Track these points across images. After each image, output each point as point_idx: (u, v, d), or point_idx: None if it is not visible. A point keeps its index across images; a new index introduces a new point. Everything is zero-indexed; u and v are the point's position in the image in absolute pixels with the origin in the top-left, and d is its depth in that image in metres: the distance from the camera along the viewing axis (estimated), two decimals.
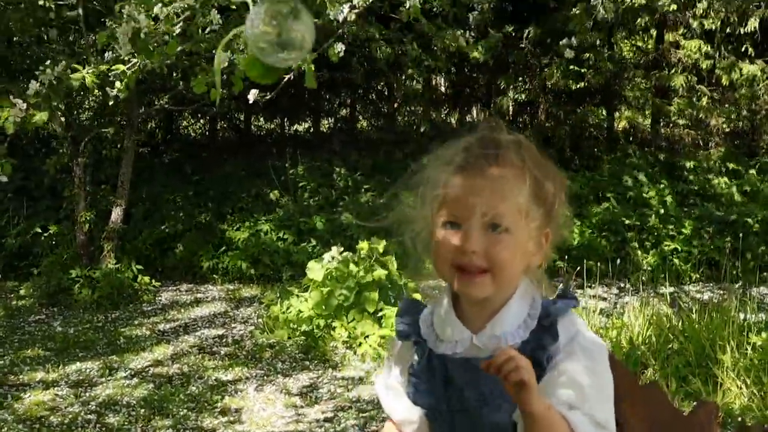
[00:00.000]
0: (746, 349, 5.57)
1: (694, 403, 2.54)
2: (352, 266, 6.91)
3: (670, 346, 5.93)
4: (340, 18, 4.48)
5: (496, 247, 1.42)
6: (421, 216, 1.51)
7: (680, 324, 6.21)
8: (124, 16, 3.26)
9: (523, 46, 11.47)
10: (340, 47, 4.55)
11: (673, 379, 5.48)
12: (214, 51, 4.51)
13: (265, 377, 6.26)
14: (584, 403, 1.39)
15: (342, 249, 7.31)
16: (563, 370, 1.42)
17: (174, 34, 3.38)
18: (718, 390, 5.31)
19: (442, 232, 1.45)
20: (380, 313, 6.82)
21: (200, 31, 3.82)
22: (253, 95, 4.28)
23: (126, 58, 3.48)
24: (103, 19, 7.64)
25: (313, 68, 3.99)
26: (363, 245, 7.12)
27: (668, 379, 5.47)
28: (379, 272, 6.89)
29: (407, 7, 4.75)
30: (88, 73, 3.37)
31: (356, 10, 4.53)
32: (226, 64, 3.75)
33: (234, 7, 3.80)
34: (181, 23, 3.51)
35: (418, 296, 6.17)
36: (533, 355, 1.40)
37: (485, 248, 1.42)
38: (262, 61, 1.24)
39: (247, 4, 1.31)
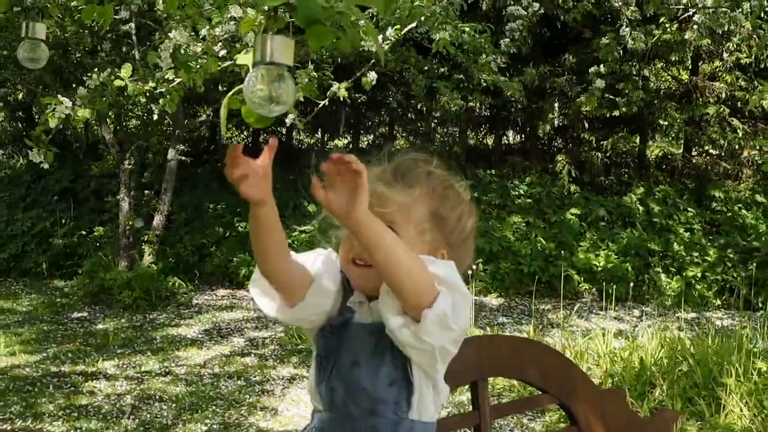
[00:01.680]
0: (752, 374, 5.79)
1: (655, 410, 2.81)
2: None
3: (680, 368, 6.17)
4: (374, 48, 4.80)
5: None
6: None
7: (692, 347, 6.45)
8: (170, 36, 3.61)
9: (558, 72, 11.73)
10: (372, 76, 4.87)
11: (679, 399, 5.71)
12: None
13: (291, 380, 6.59)
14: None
15: None
16: None
17: (213, 54, 3.72)
18: (722, 412, 5.54)
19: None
20: None
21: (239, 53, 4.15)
22: (290, 118, 4.63)
23: (170, 77, 3.83)
24: (153, 34, 8.08)
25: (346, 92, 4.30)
26: None
27: (674, 399, 5.71)
28: None
29: (437, 39, 5.07)
30: (130, 81, 3.71)
31: (389, 41, 4.85)
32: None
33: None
34: (221, 44, 3.86)
35: None
36: None
37: None
38: (255, 112, 1.63)
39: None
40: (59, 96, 4.21)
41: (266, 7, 1.60)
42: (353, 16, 1.66)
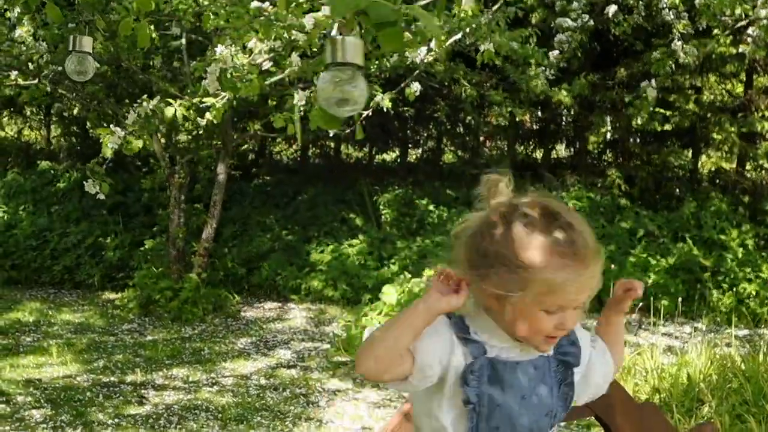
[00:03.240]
0: None
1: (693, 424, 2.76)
2: (419, 291, 7.23)
3: (730, 384, 6.07)
4: (418, 60, 4.83)
5: (575, 320, 1.73)
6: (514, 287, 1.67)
7: (742, 364, 6.34)
8: (217, 54, 3.67)
9: (609, 86, 11.65)
10: (416, 87, 4.90)
11: (727, 416, 5.61)
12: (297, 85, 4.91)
13: (336, 392, 6.61)
14: None
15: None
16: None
17: (257, 72, 3.78)
18: None
19: (538, 314, 1.68)
20: None
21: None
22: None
23: (215, 93, 3.89)
24: (204, 49, 8.19)
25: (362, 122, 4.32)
26: (430, 272, 7.44)
27: (723, 416, 5.61)
28: None
29: (481, 51, 5.08)
30: (179, 106, 3.79)
31: (432, 53, 4.87)
32: (303, 102, 4.13)
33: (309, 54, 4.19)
34: (267, 60, 3.91)
35: None
36: (563, 359, 1.81)
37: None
38: (327, 112, 1.64)
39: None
40: (111, 126, 4.30)
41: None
42: (419, 19, 1.66)
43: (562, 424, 5.95)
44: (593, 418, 2.29)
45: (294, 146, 14.35)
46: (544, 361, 1.78)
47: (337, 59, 1.52)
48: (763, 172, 12.63)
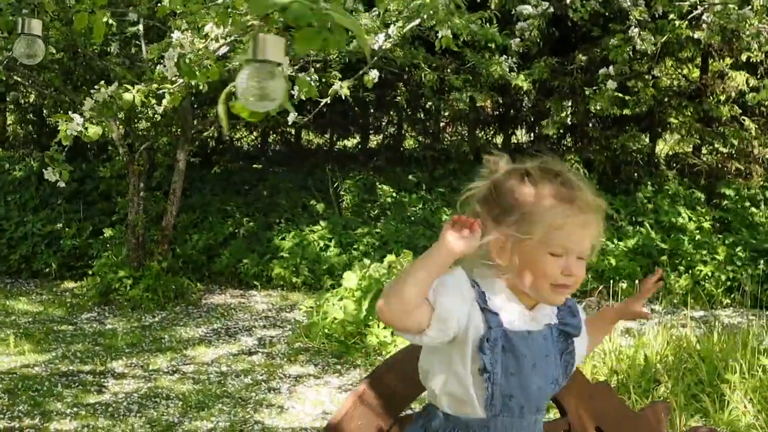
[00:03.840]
0: (757, 371, 5.79)
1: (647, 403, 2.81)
2: (380, 276, 7.26)
3: (685, 365, 6.17)
4: (376, 47, 4.83)
5: (581, 271, 1.85)
6: (523, 233, 1.83)
7: (697, 344, 6.45)
8: (173, 39, 3.66)
9: (567, 72, 11.72)
10: (374, 74, 4.90)
11: (682, 396, 5.71)
12: None
13: (298, 378, 6.63)
14: None
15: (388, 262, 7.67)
16: None
17: (215, 59, 3.77)
18: (726, 408, 5.53)
19: (545, 257, 1.82)
20: None
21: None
22: (291, 117, 4.67)
23: (173, 79, 3.87)
24: (161, 35, 8.13)
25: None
26: (390, 258, 7.48)
27: (679, 396, 5.71)
28: None
29: (440, 36, 5.09)
30: (137, 92, 3.77)
31: (391, 39, 4.87)
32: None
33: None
34: (224, 46, 3.90)
35: None
36: (564, 329, 1.94)
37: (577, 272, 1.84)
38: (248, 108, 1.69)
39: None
40: (70, 113, 4.25)
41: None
42: (340, 18, 1.68)
43: None
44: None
45: (254, 133, 14.28)
46: (549, 331, 1.91)
47: (257, 56, 1.57)
48: (719, 155, 12.80)
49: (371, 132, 14.75)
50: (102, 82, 4.13)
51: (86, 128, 3.86)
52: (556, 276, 1.81)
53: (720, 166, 12.58)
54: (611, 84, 10.10)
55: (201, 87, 3.87)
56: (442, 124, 14.21)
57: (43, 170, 4.50)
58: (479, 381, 1.83)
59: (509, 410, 1.86)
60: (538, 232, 1.80)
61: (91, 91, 4.21)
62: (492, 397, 1.83)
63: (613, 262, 9.96)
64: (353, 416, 2.18)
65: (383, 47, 4.82)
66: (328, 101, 4.76)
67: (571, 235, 1.82)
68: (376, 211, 11.25)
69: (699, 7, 8.16)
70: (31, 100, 13.08)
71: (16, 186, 11.33)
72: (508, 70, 8.48)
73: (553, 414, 5.33)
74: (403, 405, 2.25)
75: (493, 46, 7.85)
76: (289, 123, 4.79)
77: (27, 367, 6.75)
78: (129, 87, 3.85)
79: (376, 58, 4.96)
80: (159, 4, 4.44)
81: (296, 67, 4.98)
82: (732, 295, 9.82)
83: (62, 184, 4.60)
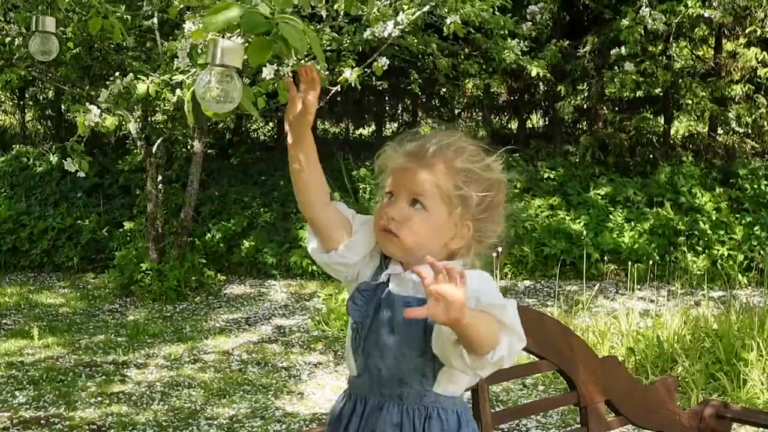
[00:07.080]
0: None
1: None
2: None
3: (702, 344, 6.20)
4: (385, 34, 4.87)
5: (411, 219, 1.79)
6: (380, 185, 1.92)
7: (715, 324, 6.47)
8: (185, 31, 3.71)
9: (580, 55, 11.71)
10: (384, 61, 4.94)
11: (700, 375, 5.74)
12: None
13: (317, 365, 6.70)
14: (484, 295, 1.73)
15: None
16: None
17: None
18: (743, 387, 5.56)
19: (383, 199, 1.86)
20: None
21: None
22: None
23: (186, 69, 3.93)
24: (177, 27, 8.19)
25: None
26: None
27: (696, 375, 5.74)
28: None
29: (449, 23, 5.12)
30: (151, 83, 3.82)
31: (401, 26, 4.91)
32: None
33: None
34: (236, 36, 3.94)
35: None
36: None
37: (402, 218, 1.79)
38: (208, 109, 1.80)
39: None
40: (87, 104, 4.32)
41: None
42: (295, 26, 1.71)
43: (519, 380, 6.08)
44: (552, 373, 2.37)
45: (270, 123, 14.35)
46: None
47: (216, 61, 1.66)
48: (735, 135, 12.75)
49: (386, 120, 14.80)
50: (117, 74, 4.19)
51: (103, 119, 3.92)
52: (381, 218, 1.82)
53: (735, 146, 12.54)
54: (629, 66, 10.13)
55: None
56: (457, 111, 14.24)
57: (63, 161, 4.57)
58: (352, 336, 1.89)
59: (369, 371, 1.85)
60: (382, 177, 1.88)
61: (107, 82, 4.27)
62: (360, 354, 1.86)
63: (630, 243, 9.97)
64: None
65: (392, 34, 4.86)
66: (339, 89, 4.81)
67: (398, 177, 1.82)
68: None
69: None
70: (49, 96, 13.20)
71: (37, 181, 11.46)
72: (520, 53, 8.47)
73: (563, 389, 5.37)
74: None
75: (505, 32, 7.86)
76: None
77: (51, 358, 6.86)
78: (143, 78, 3.90)
79: (385, 45, 5.00)
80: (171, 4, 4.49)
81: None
82: (750, 274, 9.81)
83: (82, 174, 4.66)
